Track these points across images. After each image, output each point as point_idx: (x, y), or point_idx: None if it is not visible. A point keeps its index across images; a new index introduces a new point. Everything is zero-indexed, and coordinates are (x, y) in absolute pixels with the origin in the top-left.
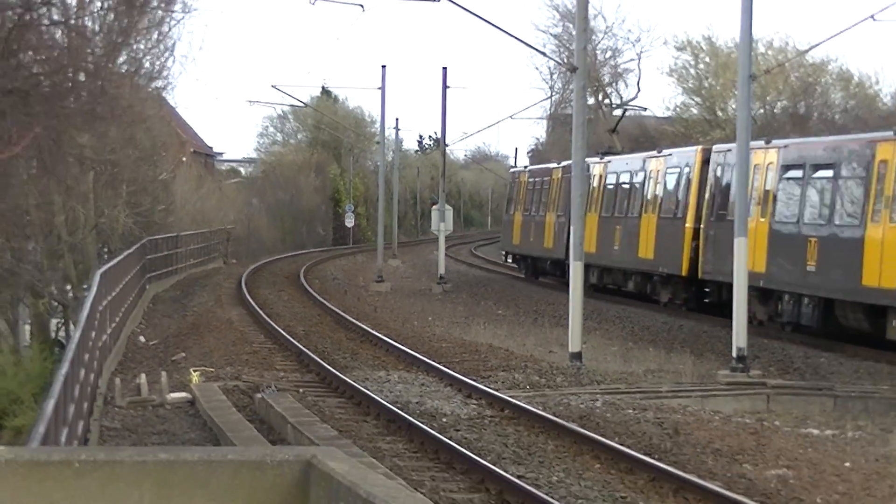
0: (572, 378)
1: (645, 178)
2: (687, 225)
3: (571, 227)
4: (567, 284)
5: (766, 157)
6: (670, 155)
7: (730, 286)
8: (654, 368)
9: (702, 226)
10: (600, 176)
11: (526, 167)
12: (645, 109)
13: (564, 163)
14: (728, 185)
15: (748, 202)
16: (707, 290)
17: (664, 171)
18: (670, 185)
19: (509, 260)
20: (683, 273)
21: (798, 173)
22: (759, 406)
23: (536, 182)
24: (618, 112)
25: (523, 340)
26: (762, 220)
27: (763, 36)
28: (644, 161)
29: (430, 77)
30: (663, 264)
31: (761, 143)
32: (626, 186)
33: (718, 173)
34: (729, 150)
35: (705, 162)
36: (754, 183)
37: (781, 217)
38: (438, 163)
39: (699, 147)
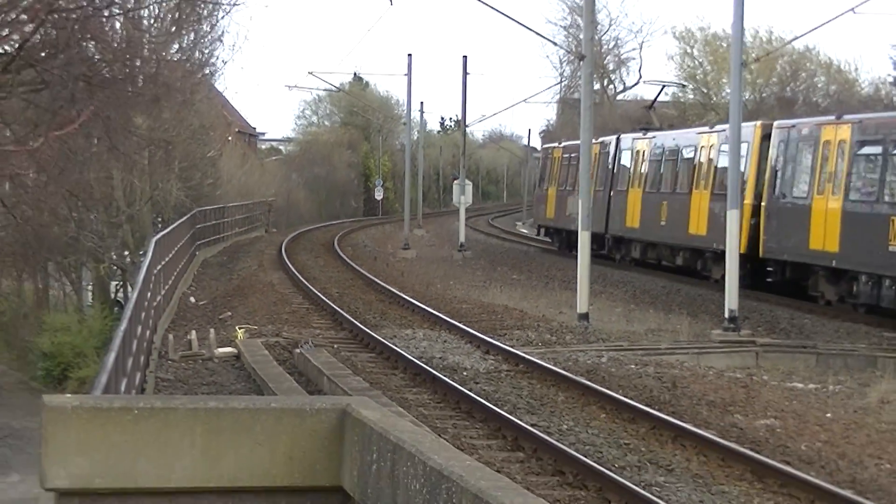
0: (580, 336)
1: (695, 153)
2: (745, 202)
3: (580, 200)
4: (604, 257)
5: (837, 133)
6: (725, 130)
7: (794, 264)
8: (654, 328)
9: (762, 203)
10: (641, 151)
11: (560, 143)
12: (684, 86)
13: (602, 139)
14: (793, 162)
15: (811, 179)
16: (769, 268)
17: (718, 146)
18: (725, 161)
19: (541, 234)
20: (741, 250)
21: (876, 149)
22: (748, 362)
23: (572, 158)
24: (621, 97)
25: (536, 302)
26: (834, 197)
27: (751, 27)
28: (695, 136)
29: (452, 64)
30: (718, 241)
31: (831, 118)
32: (673, 162)
33: (782, 150)
34: (793, 126)
35: (765, 137)
36: (822, 160)
37: (858, 195)
38: (459, 142)
39: (758, 122)
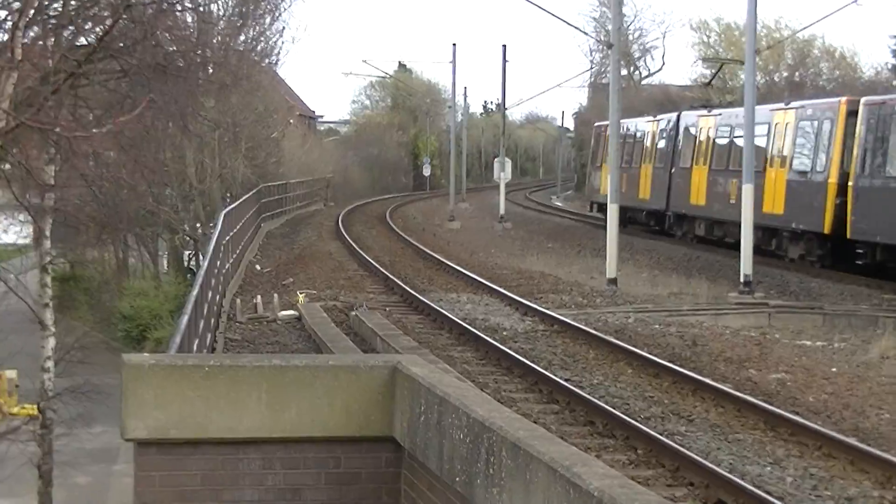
0: (609, 299)
1: (770, 131)
2: (830, 181)
3: (609, 175)
4: (664, 233)
5: None
6: (803, 107)
7: (885, 246)
8: (675, 291)
9: (850, 182)
10: (707, 128)
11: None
12: (741, 63)
13: (661, 116)
14: (888, 139)
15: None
16: (859, 250)
17: (795, 124)
18: (804, 139)
19: (594, 210)
20: (826, 231)
21: None
22: (762, 322)
23: (627, 136)
24: (646, 81)
25: (569, 269)
26: None
27: (761, 17)
28: (769, 113)
29: (493, 51)
30: (797, 220)
31: None
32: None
33: (872, 127)
34: (884, 103)
35: (850, 114)
36: None
37: None
38: (499, 123)
39: (843, 98)
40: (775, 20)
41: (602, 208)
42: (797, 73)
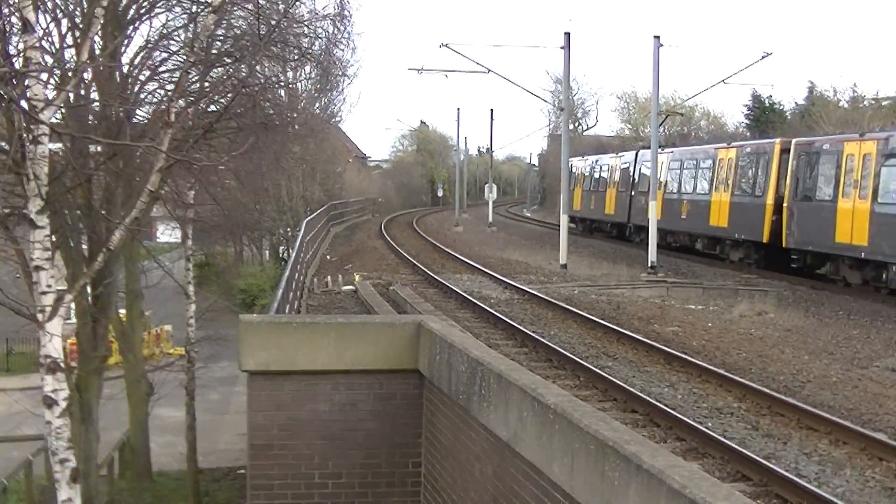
0: (561, 278)
1: (715, 164)
2: (768, 202)
3: (561, 197)
4: (625, 240)
5: (861, 148)
6: (742, 146)
7: (814, 253)
8: (606, 273)
9: (784, 204)
10: (661, 163)
11: (583, 156)
12: (681, 114)
13: (621, 153)
14: (815, 171)
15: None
16: (794, 256)
17: (736, 159)
18: (744, 170)
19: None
20: (764, 240)
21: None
22: (662, 293)
23: (594, 167)
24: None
25: (535, 258)
26: (860, 200)
27: (662, 91)
28: (714, 151)
29: (485, 110)
30: (739, 231)
31: (856, 136)
32: (693, 170)
33: (802, 162)
34: (811, 144)
35: (784, 151)
36: (852, 168)
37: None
38: (488, 161)
39: (778, 140)
40: (672, 92)
41: (574, 220)
42: (685, 128)
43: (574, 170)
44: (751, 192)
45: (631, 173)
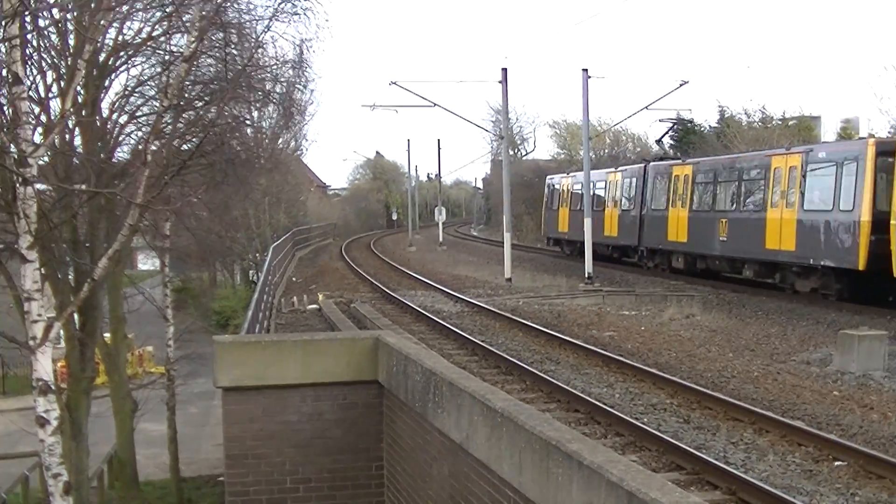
0: (507, 291)
1: (766, 174)
2: (863, 219)
3: (504, 217)
4: (634, 265)
5: None
6: (811, 150)
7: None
8: (547, 284)
9: (894, 221)
10: (681, 176)
11: (568, 173)
12: (690, 120)
13: (623, 167)
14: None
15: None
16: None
17: (801, 166)
18: (822, 180)
19: (550, 244)
20: (860, 267)
21: None
22: (599, 301)
23: (582, 186)
24: (527, 157)
25: (482, 273)
26: None
27: (592, 117)
28: (766, 159)
29: (433, 141)
30: (815, 256)
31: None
32: (732, 184)
33: None
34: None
35: (882, 154)
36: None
37: None
38: (437, 186)
39: (871, 139)
40: (598, 118)
41: (556, 242)
42: (614, 150)
43: (557, 187)
44: (831, 206)
45: (639, 189)
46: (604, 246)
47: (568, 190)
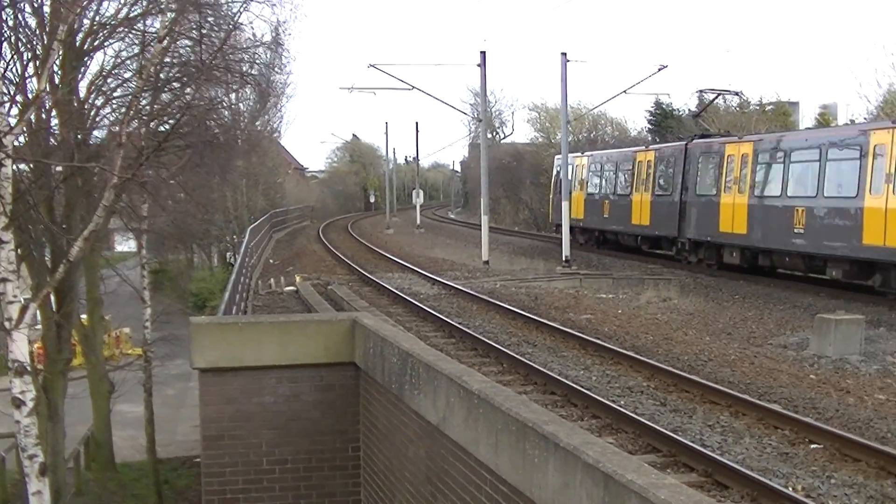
0: (484, 273)
1: (863, 155)
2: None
3: (481, 200)
4: (677, 260)
5: None
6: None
7: None
8: (524, 267)
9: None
10: (742, 155)
11: (583, 153)
12: (738, 93)
13: (660, 146)
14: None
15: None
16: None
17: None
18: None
19: (555, 231)
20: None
21: None
22: (576, 284)
23: (604, 166)
24: (505, 141)
25: (459, 255)
26: None
27: (570, 101)
28: (862, 137)
29: (410, 123)
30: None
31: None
32: (809, 165)
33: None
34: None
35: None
36: None
37: None
38: (415, 169)
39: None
40: (577, 102)
41: (573, 231)
42: (592, 134)
43: (570, 169)
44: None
45: (679, 172)
46: (630, 236)
47: (584, 172)
